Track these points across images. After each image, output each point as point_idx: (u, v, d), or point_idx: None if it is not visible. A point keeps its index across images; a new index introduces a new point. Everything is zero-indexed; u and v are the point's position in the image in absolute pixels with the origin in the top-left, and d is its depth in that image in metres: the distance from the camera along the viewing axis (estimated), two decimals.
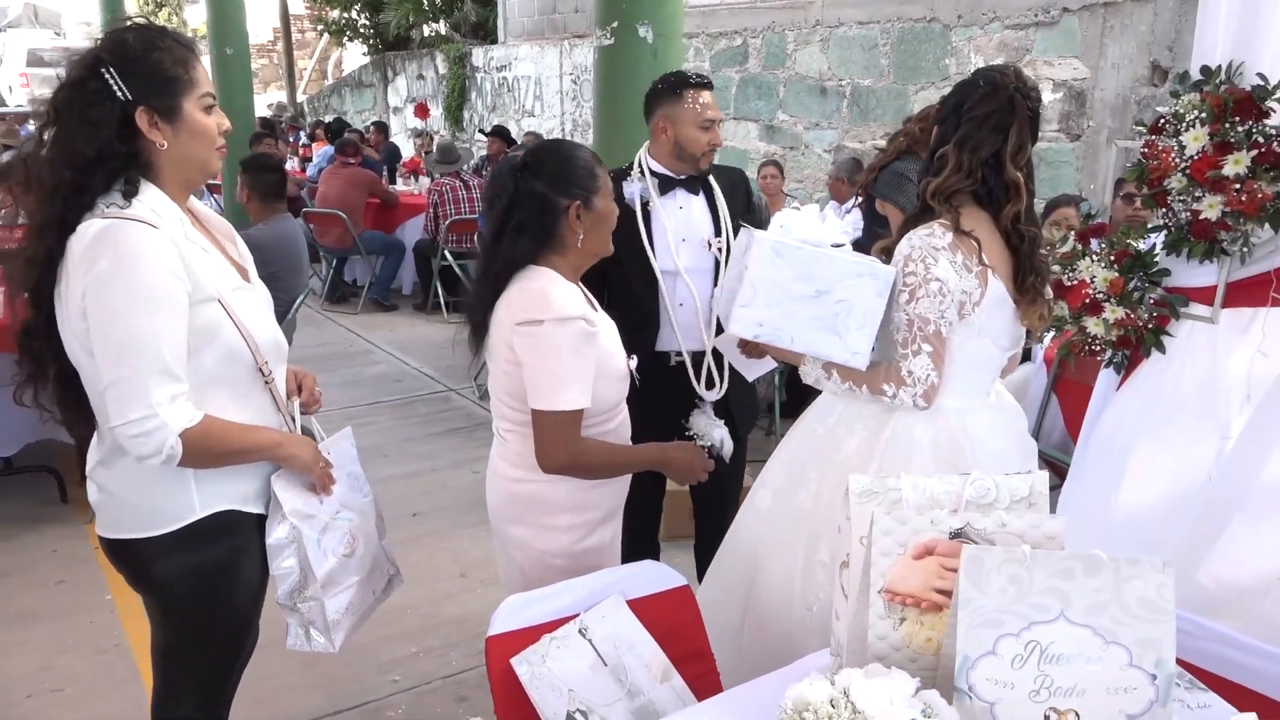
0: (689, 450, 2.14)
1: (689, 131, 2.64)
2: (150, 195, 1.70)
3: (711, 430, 2.73)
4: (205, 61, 1.83)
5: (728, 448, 2.74)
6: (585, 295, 2.07)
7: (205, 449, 1.71)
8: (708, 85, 2.68)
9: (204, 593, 1.83)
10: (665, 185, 2.71)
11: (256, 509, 1.87)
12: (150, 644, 1.94)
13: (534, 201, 1.95)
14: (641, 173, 2.71)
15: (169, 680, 1.94)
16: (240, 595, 1.88)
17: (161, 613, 1.88)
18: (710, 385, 2.75)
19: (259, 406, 1.85)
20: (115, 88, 1.65)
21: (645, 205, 2.68)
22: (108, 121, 1.65)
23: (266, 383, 1.85)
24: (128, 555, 1.82)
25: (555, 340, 1.90)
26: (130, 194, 1.67)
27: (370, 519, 2.08)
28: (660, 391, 2.65)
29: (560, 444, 1.95)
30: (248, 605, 1.92)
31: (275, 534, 1.87)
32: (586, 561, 2.08)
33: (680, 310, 2.70)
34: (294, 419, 1.95)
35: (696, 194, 2.74)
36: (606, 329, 2.04)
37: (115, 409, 1.64)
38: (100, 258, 1.61)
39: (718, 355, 2.74)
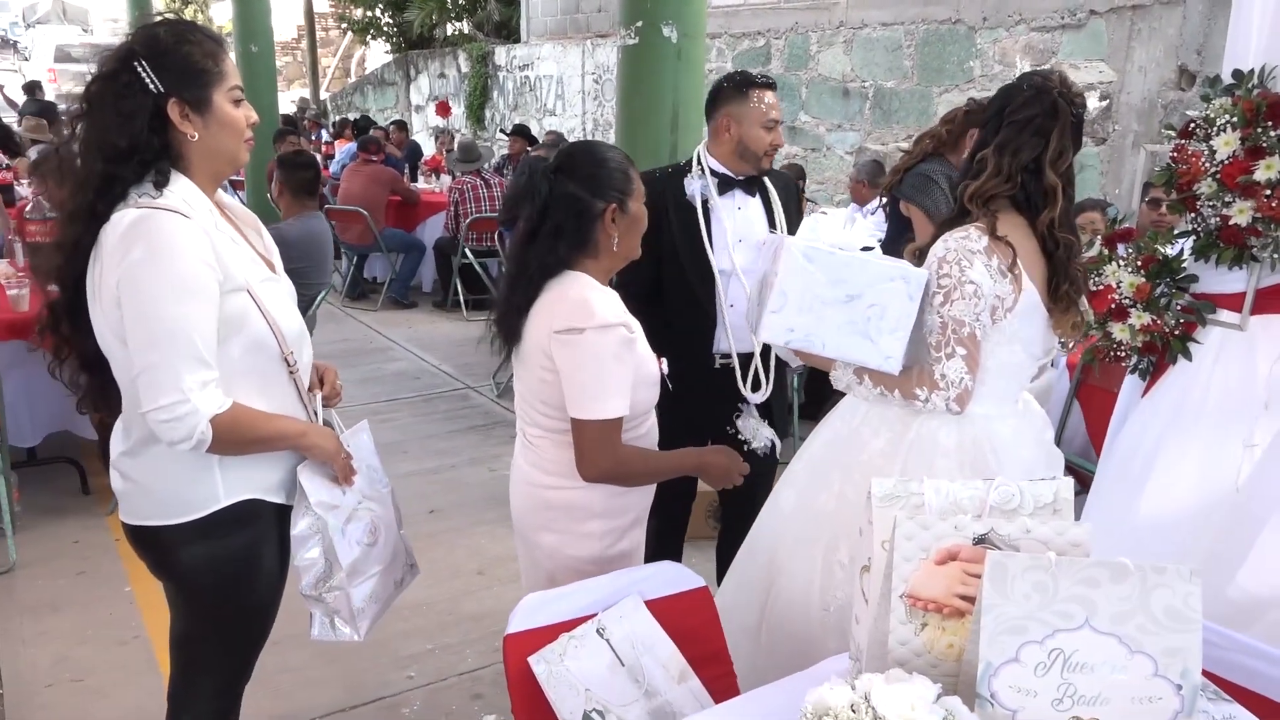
0: (726, 454, 2.11)
1: (754, 131, 2.64)
2: (181, 186, 1.73)
3: (760, 432, 2.74)
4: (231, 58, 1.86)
5: (776, 448, 2.76)
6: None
7: (234, 436, 1.73)
8: (772, 85, 2.68)
9: (226, 581, 1.85)
10: (724, 185, 2.71)
11: (278, 499, 1.89)
12: (169, 632, 1.96)
13: (570, 205, 1.92)
14: (702, 171, 2.70)
15: (187, 667, 1.96)
16: (261, 584, 1.90)
17: (183, 600, 1.91)
18: (755, 387, 2.74)
19: (283, 396, 1.87)
20: (148, 80, 1.68)
21: (705, 203, 2.68)
22: (140, 113, 1.68)
23: (291, 373, 1.87)
24: (152, 542, 1.84)
25: (597, 349, 1.87)
26: (162, 184, 1.70)
27: (389, 510, 2.10)
28: (703, 394, 2.65)
29: (604, 452, 1.93)
30: (267, 594, 1.94)
31: (300, 525, 1.89)
32: (616, 566, 2.06)
33: (731, 311, 2.70)
34: (316, 411, 1.97)
35: (753, 195, 2.74)
36: (640, 333, 2.01)
37: (147, 395, 1.66)
38: (134, 246, 1.64)
39: (765, 357, 2.74)
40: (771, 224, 2.73)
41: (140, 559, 1.90)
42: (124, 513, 1.85)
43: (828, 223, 1.99)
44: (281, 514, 1.90)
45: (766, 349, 2.72)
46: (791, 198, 2.85)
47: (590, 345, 1.87)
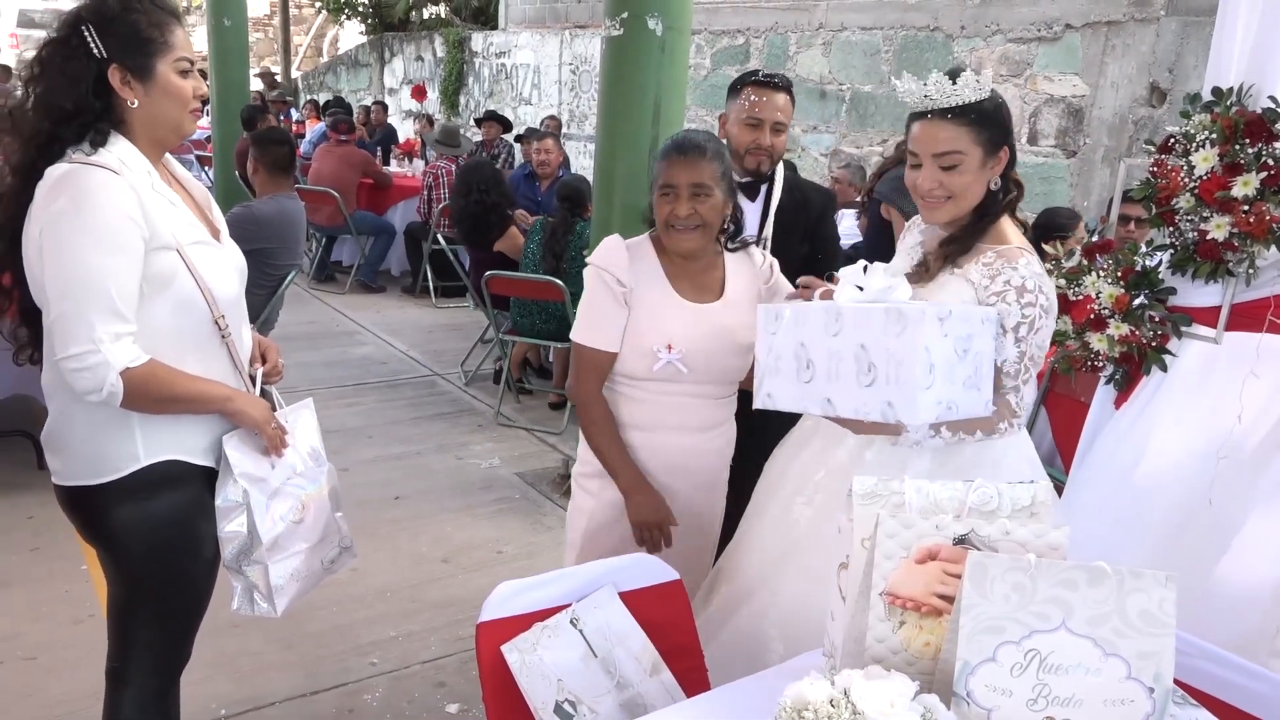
0: (660, 510, 2.20)
1: (734, 129, 2.60)
2: (120, 147, 1.77)
3: None
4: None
5: None
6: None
7: (149, 392, 1.74)
8: (770, 84, 2.57)
9: (156, 545, 1.84)
10: None
11: (205, 462, 1.88)
12: (106, 603, 1.93)
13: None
14: None
15: (123, 638, 1.93)
16: (190, 552, 1.88)
17: (113, 566, 1.89)
18: None
19: (215, 361, 1.88)
20: (92, 45, 1.74)
21: None
22: (84, 77, 1.74)
23: (224, 338, 1.87)
24: (79, 504, 1.84)
25: (591, 280, 2.22)
26: (98, 143, 1.74)
27: (324, 489, 2.09)
28: None
29: (576, 374, 2.25)
30: (198, 564, 1.91)
31: (224, 495, 1.89)
32: (581, 502, 2.31)
33: None
34: (254, 381, 1.97)
35: (754, 200, 2.67)
36: (651, 304, 2.18)
37: (59, 342, 1.68)
38: (59, 197, 1.68)
39: None
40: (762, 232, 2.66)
41: (71, 523, 1.88)
42: (54, 475, 1.86)
43: (873, 275, 1.81)
44: (213, 480, 1.89)
45: None
46: (810, 212, 2.69)
47: (589, 276, 2.23)
